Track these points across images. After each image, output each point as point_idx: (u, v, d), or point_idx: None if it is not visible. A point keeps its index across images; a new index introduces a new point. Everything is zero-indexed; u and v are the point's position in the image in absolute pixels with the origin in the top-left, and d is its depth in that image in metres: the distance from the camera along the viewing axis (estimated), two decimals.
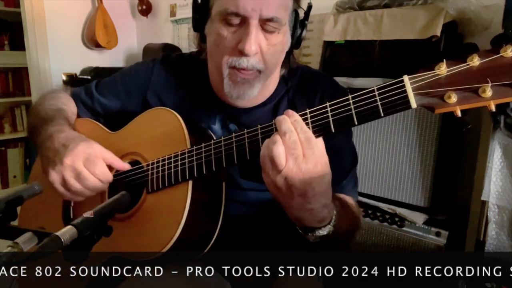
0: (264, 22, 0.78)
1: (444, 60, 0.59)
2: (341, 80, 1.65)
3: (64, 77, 2.78)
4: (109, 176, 0.83)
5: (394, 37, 1.59)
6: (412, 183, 1.51)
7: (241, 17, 0.77)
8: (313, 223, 0.70)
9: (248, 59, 0.80)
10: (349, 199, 0.90)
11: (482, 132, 1.35)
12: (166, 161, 0.81)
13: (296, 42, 0.88)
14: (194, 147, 0.78)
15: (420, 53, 1.53)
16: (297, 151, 0.61)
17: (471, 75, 0.58)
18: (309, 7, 0.87)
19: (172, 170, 0.79)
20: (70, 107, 1.04)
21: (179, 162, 0.79)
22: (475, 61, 0.58)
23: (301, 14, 0.87)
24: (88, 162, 0.81)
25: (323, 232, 0.71)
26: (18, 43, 3.52)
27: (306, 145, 0.62)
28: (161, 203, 0.81)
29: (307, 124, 0.66)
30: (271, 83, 0.93)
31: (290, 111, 0.66)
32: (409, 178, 1.51)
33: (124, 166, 0.87)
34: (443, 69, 0.59)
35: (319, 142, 0.64)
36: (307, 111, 0.67)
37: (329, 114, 0.65)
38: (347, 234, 0.82)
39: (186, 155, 0.79)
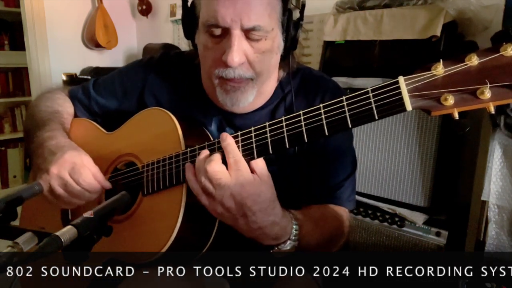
0: (247, 31, 0.76)
1: (441, 60, 0.57)
2: (341, 80, 1.65)
3: (64, 77, 2.78)
4: (95, 186, 0.82)
5: (394, 37, 1.59)
6: (412, 183, 1.50)
7: (222, 28, 0.76)
8: (269, 241, 0.73)
9: (234, 70, 0.78)
10: (340, 210, 0.89)
11: (482, 132, 1.35)
12: (161, 163, 0.81)
13: (291, 43, 0.84)
14: (188, 149, 0.77)
15: (420, 53, 1.53)
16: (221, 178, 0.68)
17: (469, 75, 0.56)
18: (303, 5, 0.84)
19: (167, 172, 0.79)
20: (66, 107, 1.03)
21: (173, 165, 0.78)
22: (473, 60, 0.56)
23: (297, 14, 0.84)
24: (73, 171, 0.80)
25: (286, 247, 0.74)
26: (18, 43, 3.52)
27: (234, 167, 0.67)
28: (156, 206, 0.80)
29: (299, 126, 0.66)
30: (268, 88, 0.91)
31: (225, 134, 0.70)
32: (409, 178, 1.51)
33: (106, 184, 0.85)
34: (440, 70, 0.57)
35: (259, 163, 0.70)
36: (301, 112, 0.67)
37: (323, 116, 0.64)
38: (323, 246, 0.84)
39: (181, 157, 0.78)
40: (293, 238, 0.75)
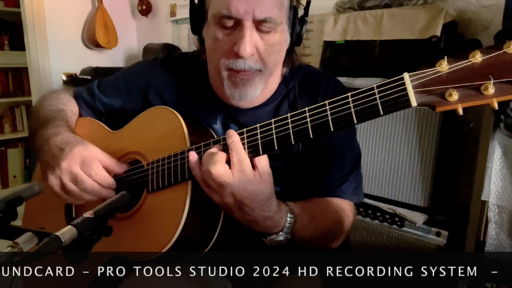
0: (259, 23, 0.77)
1: (445, 57, 0.58)
2: (341, 80, 1.62)
3: (64, 77, 2.78)
4: (107, 179, 0.82)
5: (394, 37, 1.59)
6: (412, 183, 1.51)
7: (234, 19, 0.77)
8: (261, 230, 0.76)
9: (245, 61, 0.79)
10: (343, 204, 0.90)
11: (482, 132, 1.35)
12: (166, 161, 0.81)
13: (296, 39, 0.87)
14: (194, 147, 0.78)
15: (420, 53, 1.53)
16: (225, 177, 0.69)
17: (473, 72, 0.57)
18: (308, 2, 0.87)
19: (172, 169, 0.79)
20: (70, 106, 1.03)
21: (178, 162, 0.79)
22: (477, 57, 0.56)
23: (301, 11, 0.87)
24: (84, 165, 0.81)
25: (278, 238, 0.77)
26: (18, 43, 3.52)
27: (238, 167, 0.68)
28: (161, 203, 0.81)
29: (305, 123, 0.67)
30: (272, 83, 0.92)
31: (231, 132, 0.71)
32: (409, 178, 1.51)
33: (120, 168, 0.86)
34: (444, 66, 0.58)
35: (262, 160, 0.71)
36: (306, 109, 0.68)
37: (328, 112, 0.65)
38: (319, 239, 0.85)
39: (186, 154, 0.78)
40: (286, 230, 0.77)
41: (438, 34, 1.47)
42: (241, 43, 0.76)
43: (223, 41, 0.80)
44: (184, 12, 2.86)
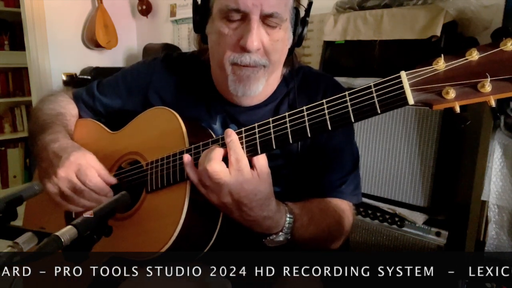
0: (265, 18, 0.78)
1: (442, 55, 0.58)
2: (341, 80, 1.64)
3: (64, 77, 2.78)
4: (101, 186, 0.82)
5: (394, 37, 1.59)
6: (412, 183, 1.50)
7: (242, 13, 0.77)
8: (261, 230, 0.76)
9: (251, 56, 0.79)
10: (343, 204, 0.90)
11: (482, 132, 1.35)
12: (165, 161, 0.81)
13: (298, 40, 0.88)
14: (192, 146, 0.78)
15: (420, 53, 1.53)
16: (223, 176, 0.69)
17: (470, 70, 0.57)
18: (310, 3, 0.87)
19: (171, 170, 0.79)
20: (69, 109, 1.03)
21: (177, 162, 0.79)
22: (474, 55, 0.56)
23: (302, 13, 0.87)
24: (80, 173, 0.81)
25: (278, 238, 0.77)
26: (18, 43, 3.52)
27: (235, 166, 0.68)
28: (160, 203, 0.81)
29: (303, 122, 0.67)
30: (273, 81, 0.92)
31: (229, 131, 0.71)
32: (409, 178, 1.51)
33: (110, 180, 0.85)
34: (441, 64, 0.58)
35: (261, 160, 0.71)
36: (304, 108, 0.68)
37: (326, 111, 0.65)
38: (319, 239, 0.85)
39: (185, 154, 0.78)
40: (286, 230, 0.77)
41: (438, 34, 1.47)
42: (248, 36, 0.77)
43: (229, 35, 0.80)
44: (184, 12, 2.86)
